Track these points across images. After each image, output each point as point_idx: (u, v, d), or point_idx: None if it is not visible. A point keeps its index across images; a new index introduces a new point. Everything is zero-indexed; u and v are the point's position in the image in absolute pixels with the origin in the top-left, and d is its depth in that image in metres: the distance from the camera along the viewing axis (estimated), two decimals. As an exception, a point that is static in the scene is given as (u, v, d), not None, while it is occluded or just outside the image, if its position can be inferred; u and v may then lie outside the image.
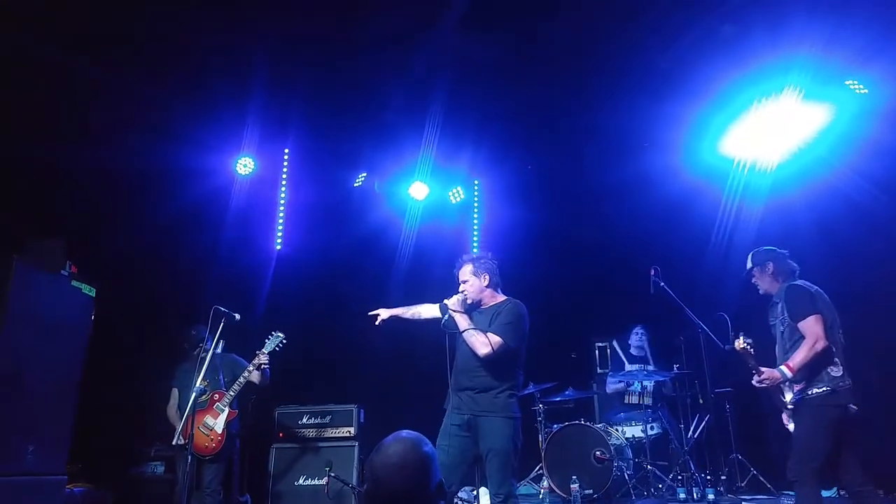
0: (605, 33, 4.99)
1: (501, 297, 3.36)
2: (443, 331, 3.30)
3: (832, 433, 3.07)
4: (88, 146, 5.11)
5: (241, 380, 4.24)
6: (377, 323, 3.59)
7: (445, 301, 3.33)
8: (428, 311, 3.54)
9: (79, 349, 3.76)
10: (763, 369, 3.22)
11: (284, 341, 4.30)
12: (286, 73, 5.34)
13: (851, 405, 3.08)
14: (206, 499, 4.11)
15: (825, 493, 4.95)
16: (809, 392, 3.15)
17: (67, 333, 3.67)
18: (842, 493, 4.90)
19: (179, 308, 5.07)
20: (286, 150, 6.52)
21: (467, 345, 3.19)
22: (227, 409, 4.23)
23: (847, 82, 5.26)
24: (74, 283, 4.08)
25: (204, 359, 3.90)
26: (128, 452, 5.00)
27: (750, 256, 3.53)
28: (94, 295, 4.26)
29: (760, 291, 3.48)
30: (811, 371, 3.16)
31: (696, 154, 5.91)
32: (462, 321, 3.20)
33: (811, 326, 3.13)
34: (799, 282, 3.36)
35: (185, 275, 5.67)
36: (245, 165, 6.24)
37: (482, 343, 3.11)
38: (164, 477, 4.80)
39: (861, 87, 5.24)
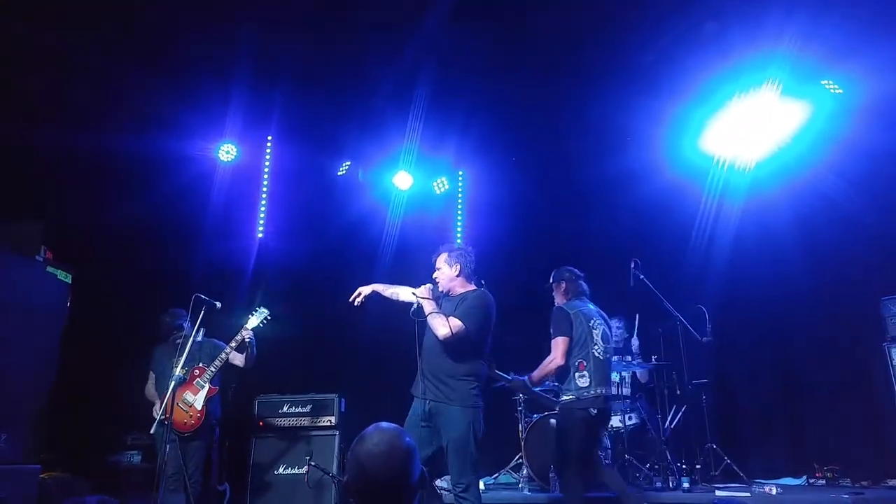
0: (591, 28, 5.00)
1: (471, 287, 3.42)
2: (412, 318, 3.34)
3: (578, 431, 3.63)
4: (69, 130, 5.00)
5: (223, 356, 4.16)
6: (358, 301, 3.52)
7: (414, 290, 3.37)
8: (405, 293, 3.52)
9: (53, 336, 3.70)
10: (512, 378, 4.12)
11: (269, 317, 4.23)
12: (270, 60, 5.26)
13: (591, 409, 3.60)
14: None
15: (795, 482, 5.11)
16: (561, 398, 3.75)
17: (42, 320, 3.60)
18: (811, 481, 5.04)
19: (159, 295, 4.99)
20: (269, 137, 6.44)
21: (432, 330, 3.22)
22: (207, 386, 4.15)
23: (823, 82, 5.35)
24: (50, 268, 4.00)
25: (183, 346, 3.84)
26: (104, 441, 4.94)
27: (552, 274, 4.02)
28: (70, 281, 4.18)
29: (555, 305, 3.90)
30: (563, 381, 3.74)
31: (677, 150, 5.96)
32: (427, 306, 3.26)
33: (554, 345, 3.71)
34: (566, 304, 3.81)
35: (166, 262, 5.58)
36: (227, 152, 6.16)
37: (442, 325, 3.15)
38: (140, 466, 4.75)
39: (836, 87, 5.33)
